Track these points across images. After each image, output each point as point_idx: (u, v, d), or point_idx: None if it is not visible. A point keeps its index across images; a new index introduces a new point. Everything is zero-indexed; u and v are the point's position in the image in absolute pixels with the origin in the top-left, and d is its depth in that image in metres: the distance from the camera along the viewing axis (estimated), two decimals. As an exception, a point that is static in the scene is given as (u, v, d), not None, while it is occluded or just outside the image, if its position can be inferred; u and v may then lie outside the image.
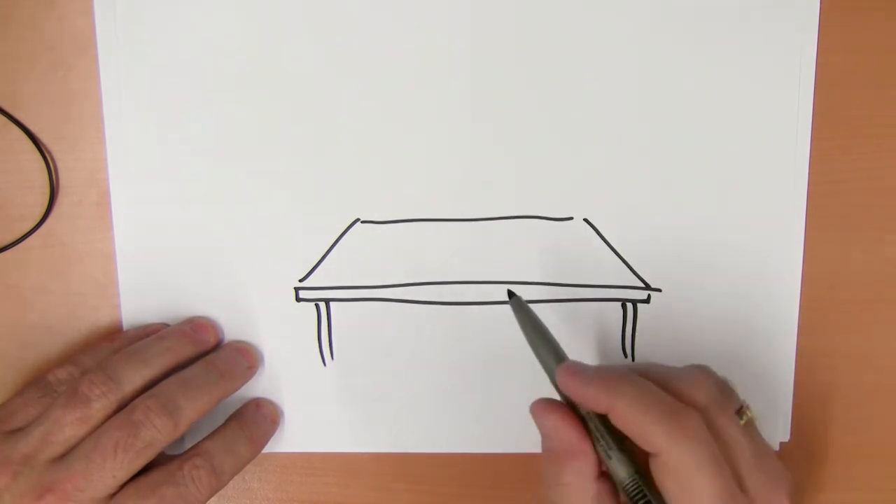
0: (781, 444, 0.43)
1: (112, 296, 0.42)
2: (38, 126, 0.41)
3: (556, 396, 0.35)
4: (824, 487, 0.43)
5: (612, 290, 0.42)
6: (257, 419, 0.41)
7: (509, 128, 0.41)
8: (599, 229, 0.41)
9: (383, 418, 0.42)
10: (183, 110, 0.40)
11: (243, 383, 0.41)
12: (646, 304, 0.42)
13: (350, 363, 0.42)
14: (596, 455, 0.34)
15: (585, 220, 0.41)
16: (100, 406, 0.36)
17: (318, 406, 0.42)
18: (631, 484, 0.33)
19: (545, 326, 0.37)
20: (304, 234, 0.41)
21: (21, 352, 0.42)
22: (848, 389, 0.43)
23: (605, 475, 0.34)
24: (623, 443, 0.34)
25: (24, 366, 0.42)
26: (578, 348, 0.42)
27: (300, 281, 0.41)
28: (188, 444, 0.39)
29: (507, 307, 0.38)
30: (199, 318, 0.41)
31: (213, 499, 0.38)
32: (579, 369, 0.34)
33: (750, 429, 0.35)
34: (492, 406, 0.42)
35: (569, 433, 0.34)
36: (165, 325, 0.41)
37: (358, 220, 0.41)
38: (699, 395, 0.34)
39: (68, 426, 0.36)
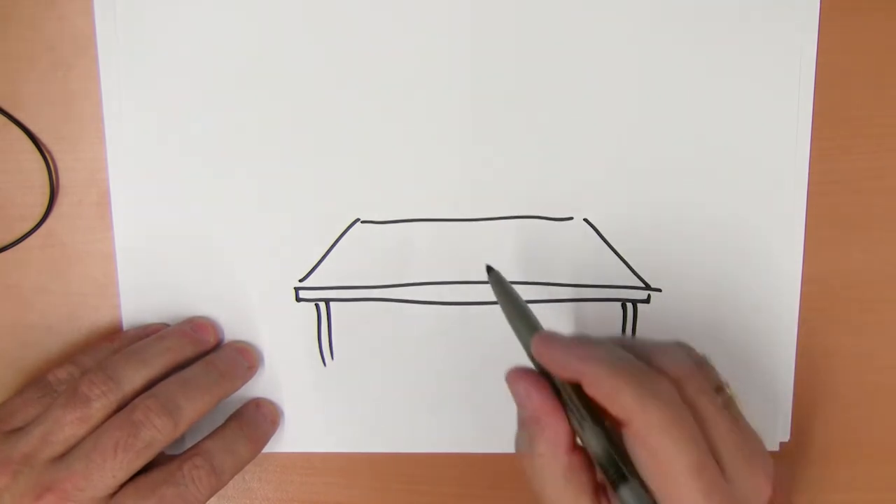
0: (781, 444, 0.43)
1: (112, 296, 0.42)
2: (38, 126, 0.41)
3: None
4: (824, 487, 0.43)
5: (612, 290, 0.42)
6: (257, 419, 0.41)
7: (509, 128, 0.41)
8: (599, 229, 0.41)
9: (383, 418, 0.42)
10: (183, 110, 0.40)
11: (243, 383, 0.41)
12: (646, 304, 0.42)
13: (350, 363, 0.42)
14: (569, 426, 0.33)
15: (585, 220, 0.41)
16: (100, 406, 0.36)
17: (318, 406, 0.42)
18: (603, 455, 0.33)
19: (522, 300, 0.37)
20: (304, 234, 0.41)
21: (21, 352, 0.42)
22: (848, 389, 0.43)
23: (579, 448, 0.34)
24: (597, 415, 0.33)
25: (24, 366, 0.42)
26: (578, 348, 0.42)
27: (300, 281, 0.41)
28: (188, 444, 0.39)
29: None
30: (199, 318, 0.41)
31: (213, 499, 0.38)
32: (554, 337, 0.34)
33: (729, 406, 0.34)
34: (492, 406, 0.42)
35: (541, 401, 0.33)
36: (165, 325, 0.41)
37: (358, 220, 0.41)
38: (674, 367, 0.33)
39: (68, 426, 0.36)
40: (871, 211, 0.42)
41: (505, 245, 0.41)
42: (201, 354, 0.40)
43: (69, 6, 0.40)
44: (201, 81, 0.40)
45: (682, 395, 0.32)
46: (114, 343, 0.40)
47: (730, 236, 0.41)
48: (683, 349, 0.35)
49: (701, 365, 0.35)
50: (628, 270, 0.41)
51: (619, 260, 0.41)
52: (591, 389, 0.32)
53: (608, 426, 0.33)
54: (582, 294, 0.41)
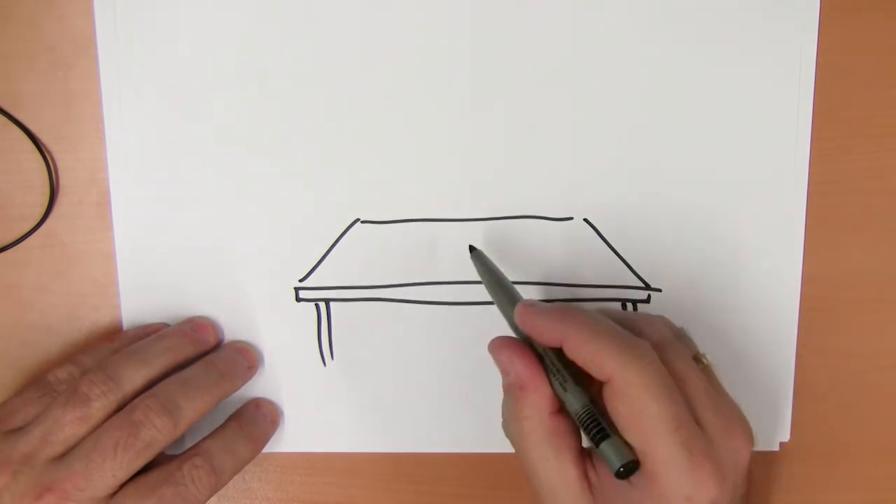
0: (781, 444, 0.43)
1: (112, 296, 0.42)
2: (38, 126, 0.41)
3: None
4: (824, 487, 0.43)
5: (612, 290, 0.42)
6: (257, 419, 0.41)
7: (509, 128, 0.41)
8: (599, 229, 0.41)
9: (383, 418, 0.42)
10: (183, 110, 0.40)
11: (243, 383, 0.41)
12: (646, 304, 0.42)
13: (350, 363, 0.42)
14: (552, 391, 0.34)
15: (585, 220, 0.41)
16: (100, 406, 0.36)
17: (318, 406, 0.42)
18: (584, 413, 0.33)
19: (503, 275, 0.38)
20: (304, 234, 0.41)
21: (21, 352, 0.42)
22: (848, 389, 0.43)
23: (562, 412, 0.35)
24: (579, 378, 0.34)
25: (24, 366, 0.42)
26: (578, 348, 0.42)
27: (300, 281, 0.41)
28: (188, 444, 0.38)
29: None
30: (199, 318, 0.41)
31: (213, 499, 0.38)
32: (535, 304, 0.35)
33: (707, 372, 0.35)
34: (491, 406, 0.41)
35: (524, 367, 0.34)
36: (165, 325, 0.41)
37: (358, 220, 0.41)
38: (653, 333, 0.35)
39: (68, 426, 0.36)
40: (871, 211, 0.42)
41: (505, 245, 0.41)
42: (201, 354, 0.40)
43: (69, 6, 0.40)
44: (201, 81, 0.40)
45: (661, 358, 0.33)
46: (114, 343, 0.40)
47: (730, 236, 0.41)
48: (662, 319, 0.36)
49: (679, 334, 0.36)
50: (628, 270, 0.41)
51: (619, 260, 0.41)
52: (573, 353, 0.33)
53: (589, 389, 0.34)
54: (582, 294, 0.41)
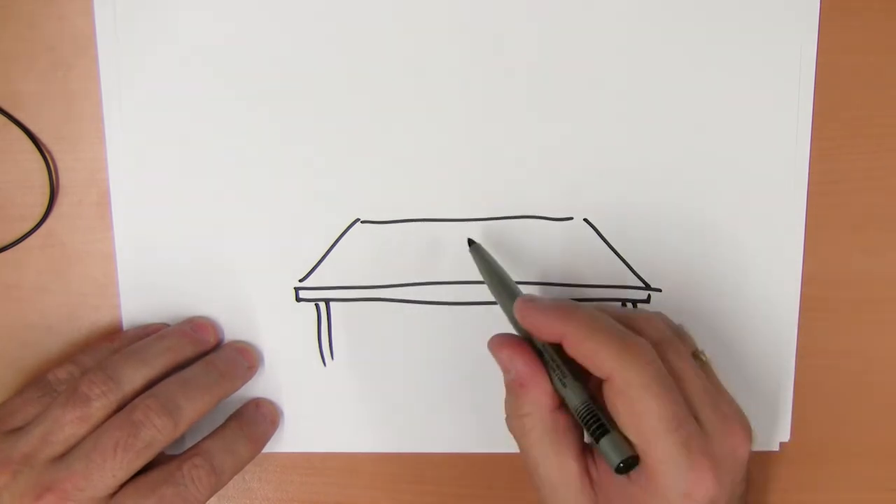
0: (781, 444, 0.43)
1: (112, 296, 0.42)
2: (38, 126, 0.41)
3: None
4: (824, 487, 0.43)
5: (612, 290, 0.42)
6: (257, 419, 0.41)
7: (509, 128, 0.41)
8: (599, 229, 0.41)
9: (383, 418, 0.42)
10: (183, 110, 0.40)
11: (243, 383, 0.41)
12: (646, 305, 0.42)
13: (350, 363, 0.42)
14: (552, 387, 0.35)
15: (585, 220, 0.41)
16: (100, 405, 0.36)
17: (318, 406, 0.42)
18: (584, 409, 0.34)
19: (503, 269, 0.38)
20: (304, 234, 0.41)
21: (21, 352, 0.42)
22: (848, 389, 0.43)
23: (563, 408, 0.35)
24: (578, 374, 0.34)
25: (24, 366, 0.42)
26: (578, 348, 0.42)
27: (300, 281, 0.41)
28: (188, 444, 0.38)
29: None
30: (199, 318, 0.41)
31: (213, 499, 0.38)
32: (535, 300, 0.35)
33: (705, 369, 0.36)
34: (492, 406, 0.42)
35: (524, 364, 0.35)
36: (165, 325, 0.41)
37: (358, 220, 0.41)
38: (652, 331, 0.35)
39: (68, 425, 0.36)
40: (871, 211, 0.42)
41: (505, 245, 0.41)
42: (201, 354, 0.40)
43: (69, 6, 0.40)
44: (201, 81, 0.40)
45: (659, 355, 0.34)
46: (114, 343, 0.40)
47: (730, 236, 0.41)
48: (661, 316, 0.37)
49: (677, 331, 0.36)
50: (628, 270, 0.41)
51: (619, 260, 0.41)
52: (572, 349, 0.34)
53: (589, 385, 0.34)
54: (582, 294, 0.41)
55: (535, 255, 0.41)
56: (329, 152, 0.41)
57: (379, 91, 0.40)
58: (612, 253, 0.41)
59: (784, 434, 0.43)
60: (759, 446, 0.43)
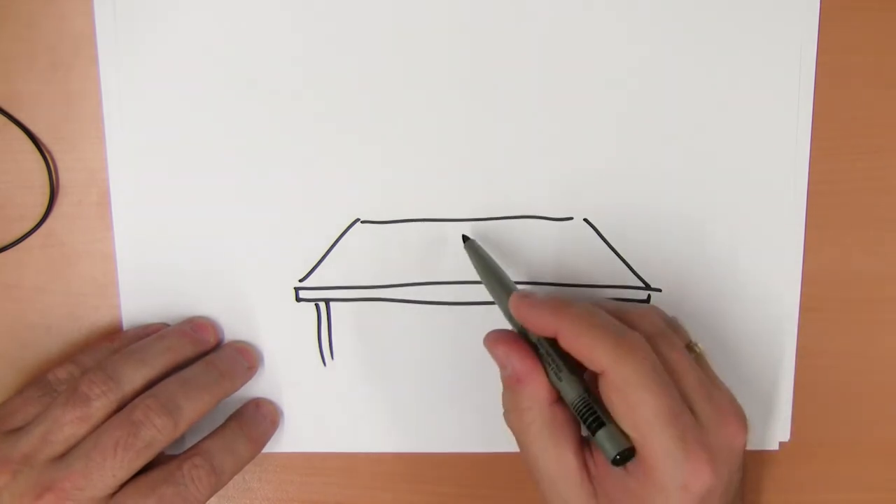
0: (781, 444, 0.43)
1: (112, 296, 0.42)
2: (38, 126, 0.41)
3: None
4: (824, 487, 0.43)
5: (612, 290, 0.42)
6: (257, 419, 0.41)
7: (509, 127, 0.41)
8: (599, 229, 0.41)
9: (383, 418, 0.42)
10: (183, 110, 0.40)
11: (243, 383, 0.41)
12: (646, 305, 0.42)
13: (350, 363, 0.42)
14: (548, 381, 0.35)
15: (585, 220, 0.41)
16: (100, 405, 0.36)
17: (318, 406, 0.42)
18: (580, 402, 0.34)
19: (498, 266, 0.38)
20: (304, 234, 0.41)
21: (21, 352, 0.42)
22: (848, 389, 0.43)
23: (560, 402, 0.35)
24: (574, 367, 0.34)
25: (24, 366, 0.42)
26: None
27: (300, 281, 0.41)
28: (188, 444, 0.38)
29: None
30: (199, 318, 0.41)
31: (213, 499, 0.38)
32: (530, 295, 0.36)
33: (700, 361, 0.36)
34: (492, 405, 0.42)
35: (520, 359, 0.35)
36: (165, 325, 0.41)
37: (358, 220, 0.41)
38: (646, 325, 0.35)
39: (68, 425, 0.36)
40: (871, 211, 0.42)
41: (505, 245, 0.41)
42: (201, 354, 0.40)
43: (69, 6, 0.40)
44: (201, 81, 0.40)
45: (653, 348, 0.34)
46: (114, 343, 0.40)
47: (730, 236, 0.41)
48: (654, 310, 0.37)
49: (671, 324, 0.37)
50: (628, 270, 0.41)
51: (619, 260, 0.41)
52: (567, 344, 0.34)
53: (585, 378, 0.35)
54: (582, 294, 0.41)
55: (536, 255, 0.41)
56: (329, 152, 0.41)
57: (379, 91, 0.40)
58: (612, 253, 0.41)
59: (784, 434, 0.43)
60: (758, 446, 0.43)
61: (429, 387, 0.42)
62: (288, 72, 0.40)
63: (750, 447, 0.35)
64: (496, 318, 0.38)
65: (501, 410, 0.36)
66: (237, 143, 0.41)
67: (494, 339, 0.36)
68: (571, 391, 0.34)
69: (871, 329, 0.42)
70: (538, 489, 0.35)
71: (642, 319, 0.36)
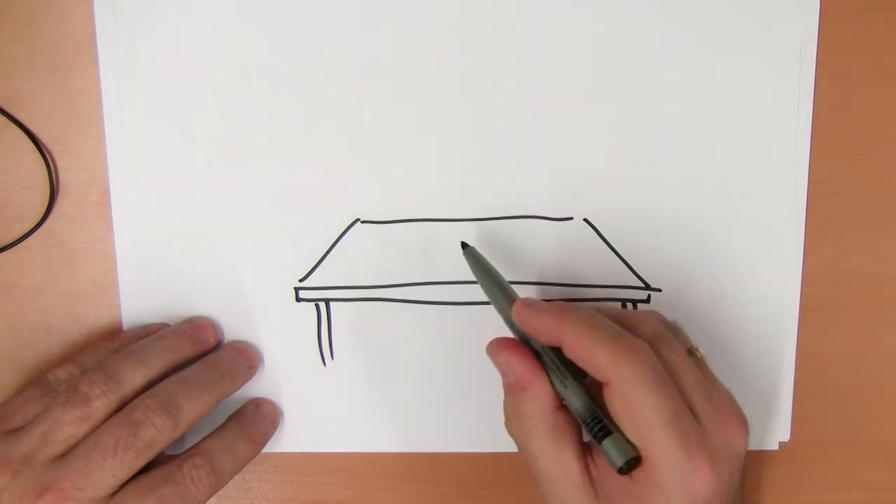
0: (781, 444, 0.43)
1: (112, 296, 0.42)
2: (38, 126, 0.41)
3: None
4: (824, 487, 0.43)
5: (612, 290, 0.42)
6: (257, 419, 0.41)
7: (509, 128, 0.41)
8: (599, 229, 0.41)
9: (383, 418, 0.42)
10: (183, 110, 0.40)
11: (243, 383, 0.41)
12: (646, 305, 0.42)
13: (350, 363, 0.42)
14: (551, 388, 0.35)
15: (585, 220, 0.41)
16: (100, 405, 0.36)
17: (318, 406, 0.42)
18: (585, 410, 0.34)
19: (499, 273, 0.38)
20: (304, 234, 0.41)
21: (21, 352, 0.42)
22: (848, 389, 0.43)
23: (563, 408, 0.35)
24: (578, 376, 0.35)
25: (24, 366, 0.42)
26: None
27: (300, 281, 0.41)
28: (188, 444, 0.38)
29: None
30: (199, 318, 0.41)
31: (213, 499, 0.38)
32: (533, 303, 0.36)
33: (700, 364, 0.36)
34: (492, 406, 0.42)
35: (523, 366, 0.35)
36: (165, 325, 0.41)
37: (358, 220, 0.41)
38: (646, 329, 0.36)
39: (68, 425, 0.36)
40: (871, 211, 0.42)
41: (505, 245, 0.41)
42: (201, 354, 0.40)
43: (69, 6, 0.40)
44: (201, 81, 0.40)
45: (655, 353, 0.34)
46: (114, 343, 0.40)
47: (730, 236, 0.41)
48: (655, 314, 0.37)
49: (671, 328, 0.37)
50: (628, 270, 0.41)
51: (619, 260, 0.41)
52: (570, 351, 0.34)
53: (589, 385, 0.35)
54: (581, 294, 0.41)
55: (535, 255, 0.41)
56: (329, 152, 0.41)
57: (379, 91, 0.40)
58: (612, 253, 0.41)
59: (783, 434, 0.43)
60: (759, 446, 0.43)
61: (429, 387, 0.42)
62: (288, 72, 0.40)
63: (750, 447, 0.35)
64: (496, 319, 0.38)
65: (501, 410, 0.36)
66: (237, 143, 0.41)
67: (497, 346, 0.36)
68: (577, 399, 0.34)
69: (871, 329, 0.42)
70: (538, 491, 0.35)
71: (643, 323, 0.36)
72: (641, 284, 0.41)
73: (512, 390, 0.36)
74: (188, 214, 0.41)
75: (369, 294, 0.42)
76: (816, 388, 0.43)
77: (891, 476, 0.43)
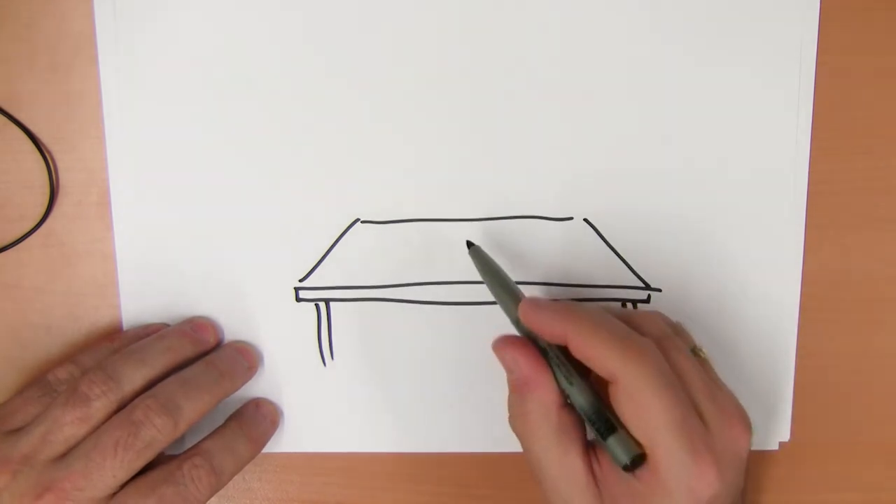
0: (781, 444, 0.43)
1: (112, 296, 0.42)
2: (38, 126, 0.41)
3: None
4: (824, 487, 0.43)
5: (612, 290, 0.42)
6: (257, 419, 0.41)
7: (509, 128, 0.41)
8: (599, 229, 0.41)
9: (383, 418, 0.42)
10: (183, 110, 0.40)
11: (243, 383, 0.41)
12: (646, 304, 0.42)
13: (350, 363, 0.42)
14: (556, 385, 0.35)
15: (585, 220, 0.41)
16: (100, 405, 0.36)
17: (318, 406, 0.42)
18: (590, 408, 0.34)
19: (504, 272, 0.38)
20: (304, 234, 0.41)
21: (21, 352, 0.42)
22: (848, 389, 0.43)
23: (568, 407, 0.35)
24: (584, 375, 0.35)
25: (24, 366, 0.42)
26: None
27: (300, 281, 0.41)
28: (188, 444, 0.38)
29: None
30: (199, 318, 0.41)
31: (213, 499, 0.38)
32: (539, 301, 0.36)
33: (704, 365, 0.36)
34: (492, 406, 0.42)
35: (528, 364, 0.35)
36: (165, 325, 0.41)
37: (358, 220, 0.41)
38: (651, 329, 0.36)
39: (68, 425, 0.36)
40: (871, 211, 0.42)
41: (505, 245, 0.41)
42: (201, 354, 0.40)
43: (69, 6, 0.40)
44: (201, 82, 0.40)
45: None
46: (114, 343, 0.40)
47: (730, 236, 0.41)
48: (659, 315, 0.37)
49: (676, 328, 0.37)
50: (628, 270, 0.41)
51: (619, 260, 0.41)
52: (577, 350, 0.34)
53: (594, 383, 0.35)
54: (582, 294, 0.41)
55: (536, 255, 0.41)
56: (329, 152, 0.41)
57: (379, 91, 0.40)
58: (612, 253, 0.41)
59: (784, 434, 0.43)
60: (759, 446, 0.43)
61: (429, 387, 0.42)
62: (288, 72, 0.40)
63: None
64: (497, 318, 0.38)
65: (502, 410, 0.36)
66: (237, 144, 0.41)
67: (503, 343, 0.36)
68: (582, 396, 0.34)
69: (871, 329, 0.42)
70: (541, 490, 0.35)
71: (648, 324, 0.36)
72: (641, 284, 0.41)
73: (517, 387, 0.36)
74: (188, 214, 0.41)
75: (369, 294, 0.42)
76: (816, 388, 0.43)
77: (890, 476, 0.43)
